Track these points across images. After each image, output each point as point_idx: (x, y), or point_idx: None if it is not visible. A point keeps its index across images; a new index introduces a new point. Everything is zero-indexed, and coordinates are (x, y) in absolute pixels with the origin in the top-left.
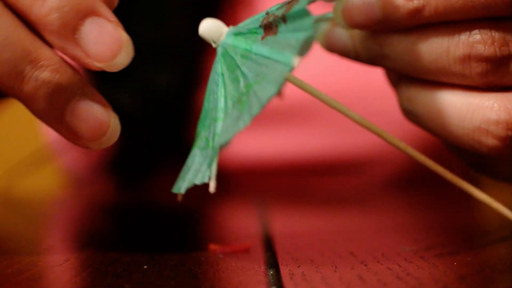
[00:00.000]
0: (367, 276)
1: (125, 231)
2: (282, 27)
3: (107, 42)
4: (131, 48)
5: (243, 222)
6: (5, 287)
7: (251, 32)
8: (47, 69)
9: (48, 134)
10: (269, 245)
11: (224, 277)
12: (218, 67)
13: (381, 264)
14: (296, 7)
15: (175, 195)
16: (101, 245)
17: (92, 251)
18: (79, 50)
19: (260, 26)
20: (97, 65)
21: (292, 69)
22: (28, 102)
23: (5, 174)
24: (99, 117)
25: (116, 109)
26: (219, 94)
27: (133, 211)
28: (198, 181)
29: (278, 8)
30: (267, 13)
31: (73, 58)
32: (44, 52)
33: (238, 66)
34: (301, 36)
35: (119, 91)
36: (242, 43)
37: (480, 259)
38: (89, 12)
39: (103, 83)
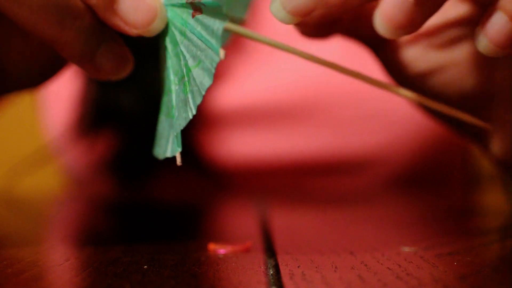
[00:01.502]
0: (367, 276)
1: (125, 231)
2: (205, 9)
3: (142, 11)
4: (165, 14)
5: (243, 222)
6: (5, 287)
7: (182, 5)
8: None
9: (48, 133)
10: (269, 245)
11: (224, 277)
12: (162, 37)
13: (381, 264)
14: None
15: (175, 194)
16: (101, 245)
17: (92, 251)
18: (118, 19)
19: (187, 3)
20: (135, 31)
21: (219, 60)
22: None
23: (5, 174)
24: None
25: (117, 108)
26: (167, 65)
27: (133, 211)
28: (169, 154)
29: None
30: None
31: (114, 26)
32: None
33: (177, 43)
34: (220, 26)
35: (119, 91)
36: (178, 17)
37: (480, 259)
38: None
39: (104, 83)
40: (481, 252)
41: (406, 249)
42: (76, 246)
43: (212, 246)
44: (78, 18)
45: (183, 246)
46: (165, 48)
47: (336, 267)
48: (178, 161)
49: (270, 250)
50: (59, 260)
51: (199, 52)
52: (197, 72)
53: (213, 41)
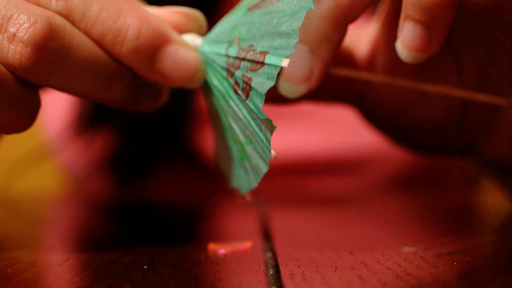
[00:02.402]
0: (367, 276)
1: (125, 231)
2: (252, 97)
3: (183, 67)
4: (203, 66)
5: (243, 222)
6: (5, 287)
7: (222, 76)
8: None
9: (46, 132)
10: (269, 245)
11: (224, 277)
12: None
13: (381, 264)
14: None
15: (175, 194)
16: (101, 245)
17: (92, 251)
18: (161, 77)
19: (228, 72)
20: (177, 85)
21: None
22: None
23: (3, 172)
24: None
25: (116, 108)
26: (217, 106)
27: (133, 211)
28: (234, 186)
29: (236, 58)
30: (228, 56)
31: (157, 82)
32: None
33: (222, 107)
34: (268, 134)
35: None
36: (217, 80)
37: (480, 259)
38: (162, 43)
39: None
40: (481, 252)
41: (406, 249)
42: (76, 246)
43: (212, 246)
44: (122, 79)
45: (183, 246)
46: (211, 96)
47: (336, 267)
48: (248, 198)
49: (270, 250)
50: (59, 260)
51: (248, 132)
52: (251, 151)
53: (261, 136)
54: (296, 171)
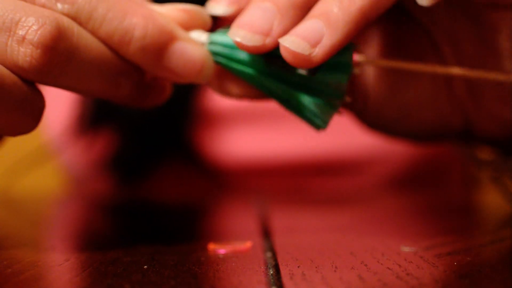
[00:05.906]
0: (367, 276)
1: (125, 231)
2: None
3: (191, 63)
4: (211, 61)
5: (243, 222)
6: (5, 287)
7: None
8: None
9: (48, 132)
10: (269, 245)
11: (224, 277)
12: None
13: (381, 264)
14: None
15: (175, 194)
16: (101, 245)
17: (92, 251)
18: (169, 73)
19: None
20: (185, 81)
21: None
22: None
23: (5, 173)
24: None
25: (117, 108)
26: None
27: (133, 211)
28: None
29: None
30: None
31: (165, 79)
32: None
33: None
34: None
35: None
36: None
37: (480, 259)
38: (169, 41)
39: None
40: (481, 252)
41: (406, 249)
42: (76, 246)
43: (212, 246)
44: (130, 77)
45: (183, 246)
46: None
47: (336, 267)
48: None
49: (270, 250)
50: (59, 260)
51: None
52: (306, 100)
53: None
54: (296, 171)
